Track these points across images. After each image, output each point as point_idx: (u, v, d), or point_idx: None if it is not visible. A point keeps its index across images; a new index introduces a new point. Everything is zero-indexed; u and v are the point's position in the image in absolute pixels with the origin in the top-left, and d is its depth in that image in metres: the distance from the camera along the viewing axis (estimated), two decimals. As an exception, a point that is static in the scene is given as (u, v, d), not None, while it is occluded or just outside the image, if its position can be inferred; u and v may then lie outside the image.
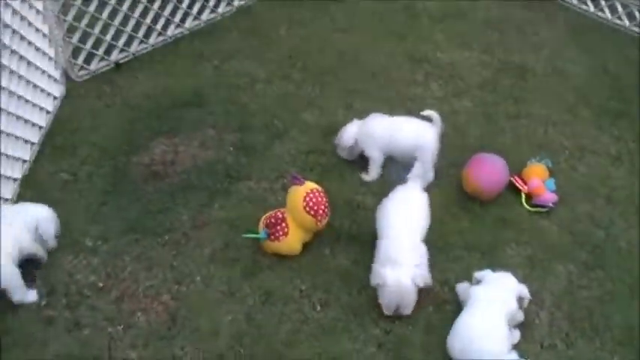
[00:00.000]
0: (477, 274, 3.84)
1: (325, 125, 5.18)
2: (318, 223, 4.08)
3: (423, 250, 3.96)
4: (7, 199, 4.49)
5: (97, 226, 4.39)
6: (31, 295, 3.94)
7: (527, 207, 4.51)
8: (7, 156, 4.59)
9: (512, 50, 6.04)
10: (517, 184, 4.59)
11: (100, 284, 4.05)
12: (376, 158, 4.71)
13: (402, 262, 3.76)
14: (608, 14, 6.38)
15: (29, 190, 4.63)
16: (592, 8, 6.51)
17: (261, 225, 4.17)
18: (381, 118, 4.79)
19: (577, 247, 4.29)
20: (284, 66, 5.84)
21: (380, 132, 4.69)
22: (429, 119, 4.65)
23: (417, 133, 4.62)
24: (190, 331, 3.79)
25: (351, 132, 4.75)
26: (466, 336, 3.54)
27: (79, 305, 3.94)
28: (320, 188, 4.14)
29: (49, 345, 3.74)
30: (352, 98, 5.47)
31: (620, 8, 6.29)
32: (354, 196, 4.62)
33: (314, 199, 4.06)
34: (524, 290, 3.77)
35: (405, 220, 3.98)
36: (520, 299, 3.73)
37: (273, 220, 4.08)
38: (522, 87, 5.60)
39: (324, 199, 4.12)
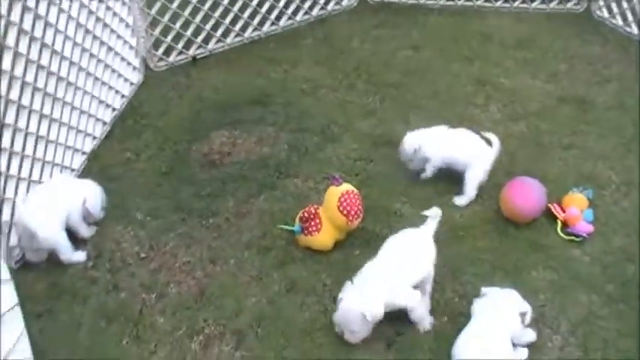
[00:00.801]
0: (484, 289, 3.91)
1: (378, 135, 5.37)
2: (349, 223, 4.26)
3: (405, 292, 3.82)
4: (73, 170, 4.90)
5: (149, 203, 4.74)
6: (78, 256, 4.30)
7: (562, 234, 4.53)
8: (80, 131, 5.01)
9: (578, 82, 6.05)
10: (555, 211, 4.62)
11: (143, 255, 4.37)
12: (434, 162, 4.84)
13: (368, 292, 3.68)
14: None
15: (95, 163, 5.03)
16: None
17: (297, 219, 4.39)
18: (445, 128, 4.92)
19: (605, 279, 4.26)
20: (350, 76, 6.07)
21: (442, 140, 4.83)
22: (488, 141, 4.76)
23: (474, 151, 4.75)
24: (215, 307, 4.05)
25: (415, 137, 4.88)
26: (463, 350, 3.60)
27: (121, 270, 4.27)
28: (356, 191, 4.33)
29: (88, 301, 4.09)
30: (411, 113, 5.63)
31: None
32: (394, 204, 4.77)
33: (348, 200, 4.25)
34: (525, 306, 3.78)
35: (395, 261, 3.85)
36: (522, 315, 3.75)
37: (306, 215, 4.30)
38: (581, 118, 5.60)
39: (359, 202, 4.30)
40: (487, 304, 3.79)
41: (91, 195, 4.46)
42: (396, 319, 3.93)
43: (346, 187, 4.32)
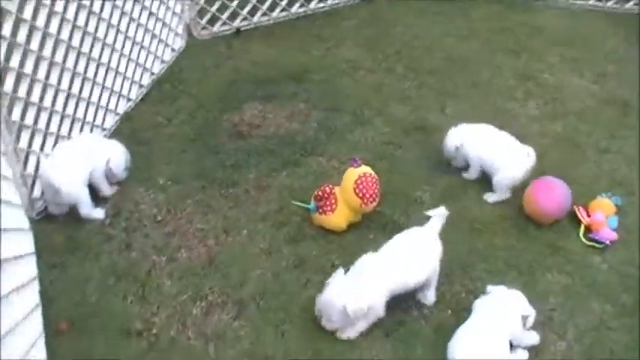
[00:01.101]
0: (489, 287, 3.84)
1: (411, 121, 5.33)
2: (363, 206, 4.25)
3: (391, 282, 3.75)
4: (104, 129, 5.01)
5: (172, 168, 4.82)
6: (97, 213, 4.40)
7: (584, 239, 4.42)
8: (114, 92, 5.11)
9: (624, 85, 5.86)
10: (579, 215, 4.51)
11: (159, 218, 4.45)
12: (476, 163, 4.77)
13: (357, 285, 3.63)
14: None
15: (127, 125, 5.13)
16: None
17: (313, 198, 4.40)
18: (489, 128, 4.83)
19: (621, 289, 4.14)
20: (390, 59, 6.02)
21: (484, 142, 4.74)
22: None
23: (510, 159, 4.63)
24: (222, 275, 4.10)
25: (459, 134, 4.81)
26: (457, 347, 3.57)
27: (136, 231, 4.36)
28: (374, 174, 4.30)
29: (100, 258, 4.19)
30: (447, 102, 5.56)
31: None
32: (415, 191, 4.73)
33: (364, 183, 4.23)
34: (528, 309, 3.70)
35: (396, 258, 3.79)
36: (524, 317, 3.68)
37: (320, 194, 4.30)
38: (622, 122, 5.44)
39: (376, 186, 4.27)
40: (488, 303, 3.73)
41: (116, 155, 4.55)
42: (398, 308, 3.92)
43: (364, 169, 4.30)
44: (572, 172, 4.91)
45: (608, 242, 4.38)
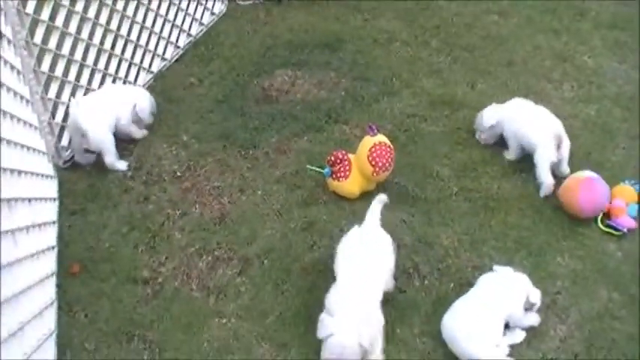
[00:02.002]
0: (496, 267, 3.82)
1: (439, 95, 5.30)
2: (375, 174, 4.28)
3: (374, 298, 3.51)
4: (137, 85, 5.17)
5: (197, 127, 4.94)
6: (121, 164, 4.57)
7: (601, 225, 4.32)
8: (150, 51, 5.24)
9: (667, 72, 5.68)
10: (599, 200, 4.42)
11: (179, 173, 4.60)
12: (513, 143, 4.71)
13: (347, 317, 3.30)
14: None
15: (159, 83, 5.27)
16: None
17: (327, 162, 4.45)
18: (525, 104, 4.76)
19: (632, 279, 4.02)
20: (427, 34, 5.99)
21: (520, 120, 4.65)
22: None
23: (548, 134, 4.49)
24: (231, 232, 4.21)
25: (493, 113, 4.76)
26: (449, 322, 3.60)
27: (154, 184, 4.52)
28: (389, 144, 4.32)
29: (118, 208, 4.37)
30: (479, 78, 5.50)
31: None
32: (434, 165, 4.72)
33: (378, 152, 4.26)
34: (535, 294, 3.68)
35: (357, 268, 3.52)
36: (529, 303, 3.66)
37: (332, 159, 4.34)
38: (659, 110, 5.28)
39: (389, 155, 4.29)
40: (491, 280, 3.73)
41: (141, 100, 4.72)
42: (399, 278, 3.95)
43: (380, 138, 4.32)
44: (600, 156, 4.81)
45: (625, 230, 4.27)
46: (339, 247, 3.70)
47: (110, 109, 4.53)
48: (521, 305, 3.65)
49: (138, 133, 4.74)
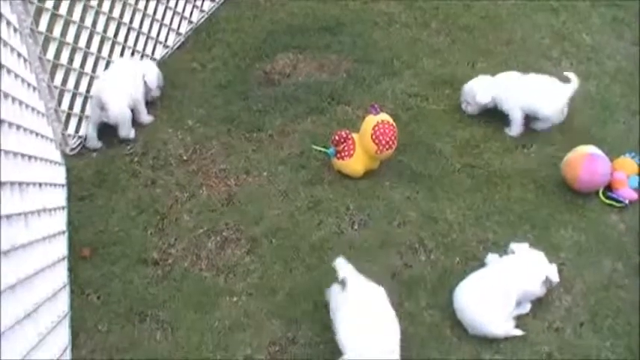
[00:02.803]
0: (513, 245, 3.84)
1: (439, 75, 5.34)
2: (378, 152, 4.33)
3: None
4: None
5: (202, 111, 5.00)
6: (132, 133, 4.74)
7: (602, 198, 4.37)
8: (153, 38, 5.29)
9: (667, 47, 5.71)
10: (600, 172, 4.46)
11: (185, 157, 4.65)
12: (517, 116, 4.78)
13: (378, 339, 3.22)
14: None
15: (162, 69, 5.23)
16: None
17: (331, 142, 4.50)
18: (517, 76, 4.87)
19: (636, 249, 4.08)
20: (427, 15, 6.01)
21: (519, 89, 4.77)
22: (567, 79, 4.71)
23: (549, 93, 4.72)
24: (238, 213, 4.27)
25: (487, 89, 4.82)
26: (463, 294, 3.66)
27: (162, 168, 4.58)
28: (392, 122, 4.37)
29: (127, 192, 4.43)
30: (478, 58, 5.53)
31: None
32: (436, 143, 4.76)
33: (382, 130, 4.31)
34: (553, 272, 3.72)
35: (365, 340, 3.23)
36: (547, 280, 3.70)
37: (337, 138, 4.40)
38: (659, 85, 5.32)
39: (392, 133, 4.34)
40: (508, 258, 3.78)
41: (150, 71, 4.86)
42: (405, 253, 4.03)
43: (383, 117, 4.37)
44: (600, 131, 4.85)
45: (627, 202, 4.33)
46: (335, 309, 3.44)
47: (127, 83, 4.69)
48: (539, 284, 3.69)
49: (146, 118, 4.84)
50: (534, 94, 4.71)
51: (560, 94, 4.70)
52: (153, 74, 4.87)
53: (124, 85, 4.66)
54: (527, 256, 3.77)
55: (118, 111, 4.58)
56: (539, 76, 4.81)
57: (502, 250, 3.90)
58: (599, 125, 4.92)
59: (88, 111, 4.69)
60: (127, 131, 4.67)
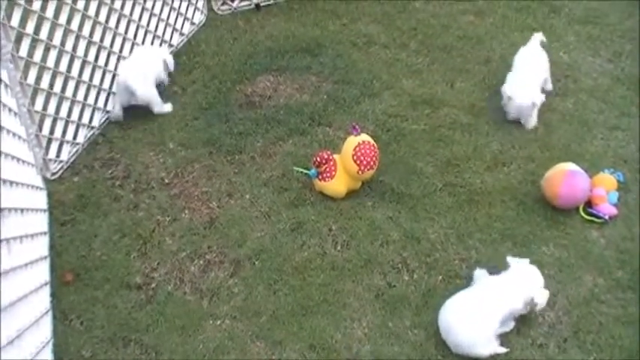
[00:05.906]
0: (509, 259, 3.86)
1: (419, 95, 5.39)
2: (360, 172, 4.36)
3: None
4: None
5: (183, 134, 5.01)
6: (167, 107, 5.16)
7: (583, 214, 4.43)
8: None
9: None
10: (580, 189, 4.52)
11: (167, 180, 4.67)
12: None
13: None
14: None
15: (143, 93, 5.28)
16: None
17: (312, 163, 4.53)
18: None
19: (617, 264, 4.14)
20: (405, 35, 6.07)
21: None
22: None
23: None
24: (221, 236, 4.28)
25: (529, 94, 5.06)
26: (447, 316, 3.67)
27: (144, 192, 4.58)
28: (373, 142, 4.41)
29: (109, 216, 4.42)
30: (457, 77, 5.59)
31: None
32: (417, 162, 4.80)
33: (363, 150, 4.35)
34: (542, 297, 3.75)
35: None
36: (532, 302, 3.72)
37: (318, 159, 4.42)
38: (633, 101, 5.38)
39: (374, 154, 4.38)
40: (497, 277, 3.80)
41: (168, 56, 5.33)
42: (388, 273, 4.05)
43: (364, 137, 4.41)
44: (578, 147, 4.93)
45: (607, 217, 4.39)
46: None
47: (149, 67, 5.08)
48: (523, 304, 3.71)
49: (160, 107, 5.13)
50: None
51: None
52: (170, 58, 5.32)
53: (147, 68, 5.04)
54: (519, 274, 3.78)
55: (146, 93, 4.97)
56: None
57: (490, 266, 3.94)
58: (578, 142, 4.99)
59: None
60: (159, 107, 5.08)
